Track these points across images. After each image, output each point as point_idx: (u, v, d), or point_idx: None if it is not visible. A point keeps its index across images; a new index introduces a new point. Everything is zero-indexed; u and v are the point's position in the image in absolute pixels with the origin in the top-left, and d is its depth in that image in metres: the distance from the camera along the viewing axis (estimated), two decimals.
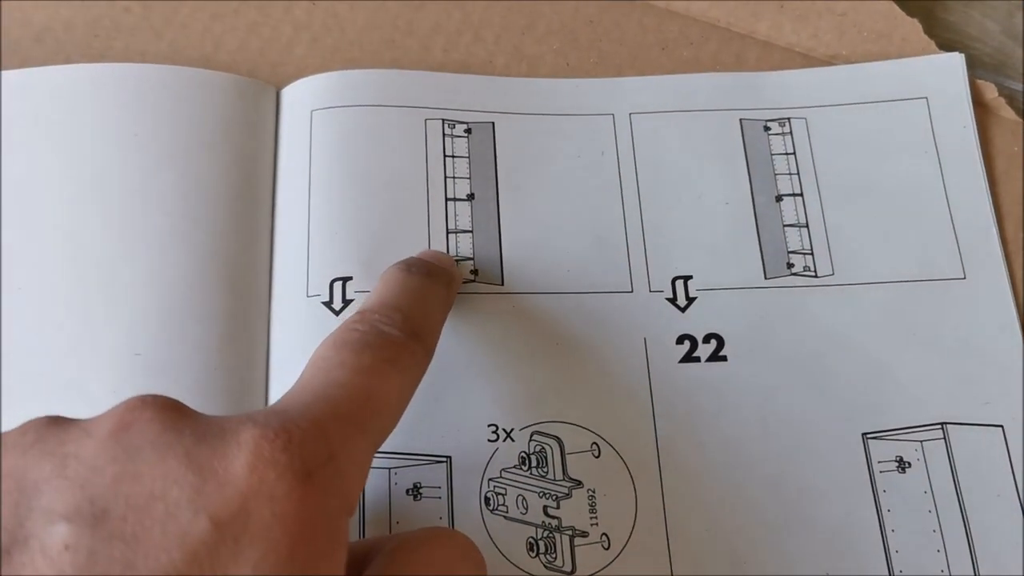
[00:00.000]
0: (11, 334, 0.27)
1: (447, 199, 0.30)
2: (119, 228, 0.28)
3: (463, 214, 0.30)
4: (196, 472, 0.17)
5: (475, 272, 0.29)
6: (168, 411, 0.18)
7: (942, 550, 0.26)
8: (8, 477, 0.17)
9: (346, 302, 0.28)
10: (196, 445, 0.17)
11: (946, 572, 0.26)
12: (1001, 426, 0.28)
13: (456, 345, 0.28)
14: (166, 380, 0.27)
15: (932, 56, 0.32)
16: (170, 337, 0.27)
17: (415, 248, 0.29)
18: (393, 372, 0.21)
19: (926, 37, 0.33)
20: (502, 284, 0.29)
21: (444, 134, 0.31)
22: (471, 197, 0.30)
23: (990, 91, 0.32)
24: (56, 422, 0.18)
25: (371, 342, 0.22)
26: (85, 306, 0.27)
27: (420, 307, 0.24)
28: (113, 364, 0.27)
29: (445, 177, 0.30)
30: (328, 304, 0.28)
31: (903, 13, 0.33)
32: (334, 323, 0.27)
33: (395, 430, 0.22)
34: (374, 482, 0.26)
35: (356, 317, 0.23)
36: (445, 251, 0.29)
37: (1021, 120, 0.32)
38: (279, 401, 0.20)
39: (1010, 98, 0.33)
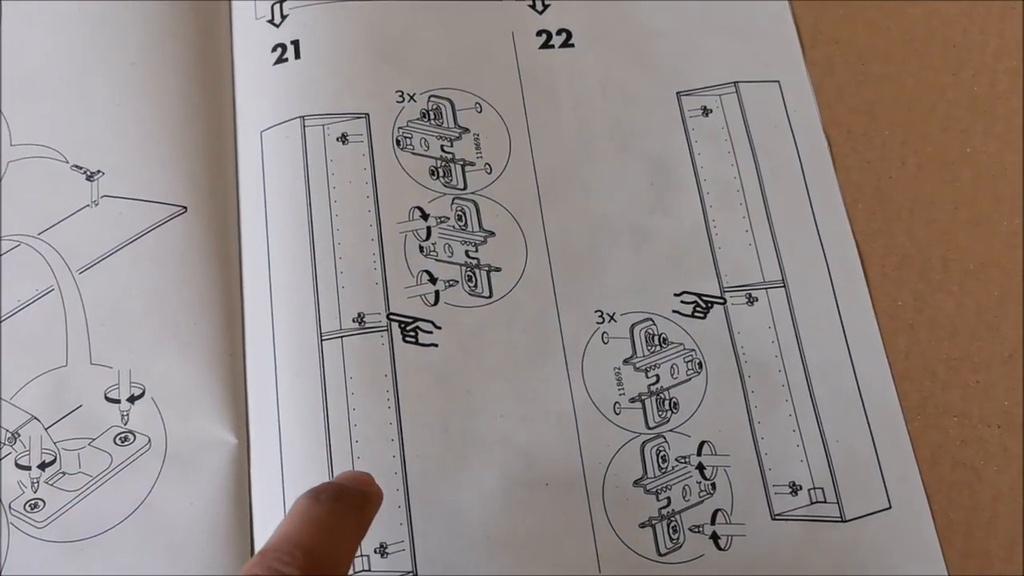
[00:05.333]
0: None
1: None
2: None
3: None
4: None
5: None
6: None
7: (735, 164, 0.36)
8: None
9: None
10: None
11: (744, 204, 0.35)
12: (777, 81, 0.37)
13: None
14: None
15: None
16: None
17: None
18: None
19: None
20: None
21: None
22: None
23: None
24: None
25: None
26: None
27: (326, 540, 0.23)
28: None
29: None
30: None
31: None
32: None
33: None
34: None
35: (256, 559, 0.22)
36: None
37: None
38: None
39: None
